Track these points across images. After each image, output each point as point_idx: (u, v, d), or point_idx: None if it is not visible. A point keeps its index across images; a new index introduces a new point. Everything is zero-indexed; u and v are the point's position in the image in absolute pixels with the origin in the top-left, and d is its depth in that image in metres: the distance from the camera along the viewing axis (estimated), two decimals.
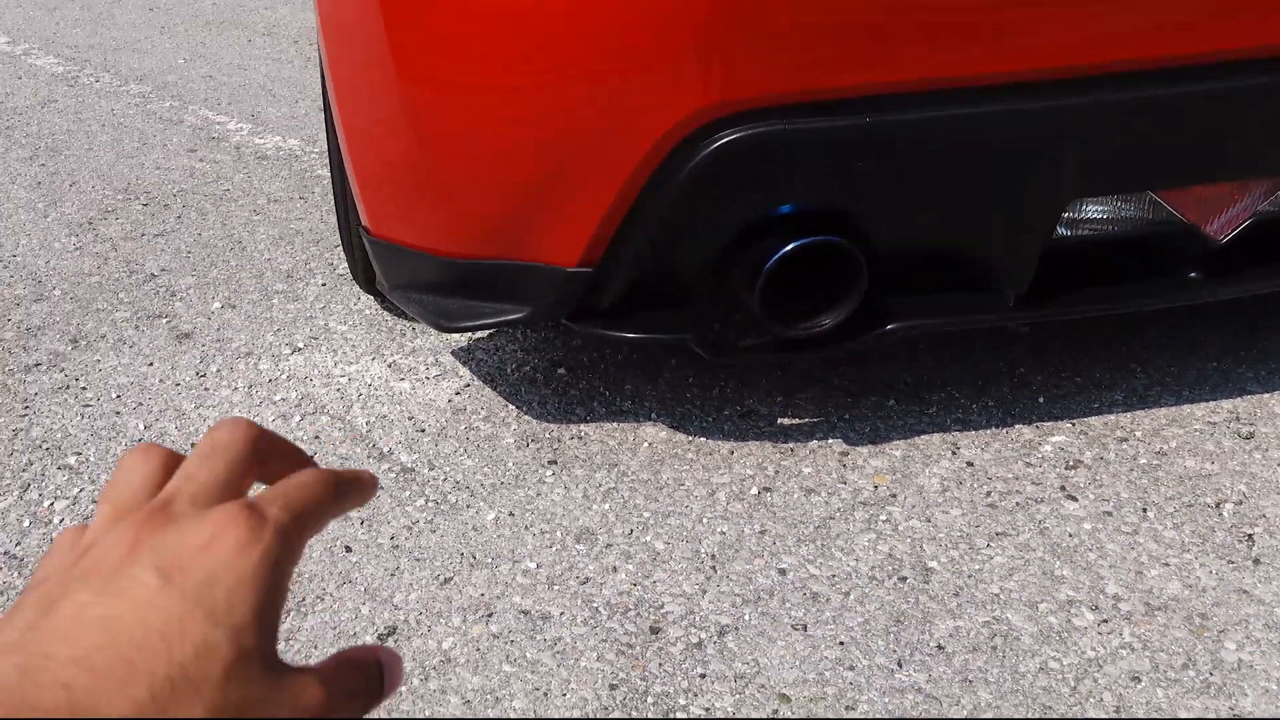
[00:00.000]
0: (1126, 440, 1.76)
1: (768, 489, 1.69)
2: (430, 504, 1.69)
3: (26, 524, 1.69)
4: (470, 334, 2.13)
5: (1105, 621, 1.41)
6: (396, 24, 1.57)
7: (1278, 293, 2.09)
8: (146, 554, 0.34)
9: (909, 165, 1.48)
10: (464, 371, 2.03)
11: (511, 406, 1.91)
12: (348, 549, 1.60)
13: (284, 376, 2.03)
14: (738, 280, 1.57)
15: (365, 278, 2.16)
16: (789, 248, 1.48)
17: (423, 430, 1.87)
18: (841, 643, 1.40)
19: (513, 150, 1.54)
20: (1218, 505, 1.61)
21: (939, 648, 1.39)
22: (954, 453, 1.75)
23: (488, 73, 1.52)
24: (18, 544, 1.64)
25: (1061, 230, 1.63)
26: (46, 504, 1.73)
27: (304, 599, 1.50)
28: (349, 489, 0.41)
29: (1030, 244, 1.56)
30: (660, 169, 1.47)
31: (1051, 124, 1.46)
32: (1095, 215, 1.64)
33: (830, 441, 1.79)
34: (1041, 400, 1.87)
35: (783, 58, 1.40)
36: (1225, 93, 1.50)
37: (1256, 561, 1.50)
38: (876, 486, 1.68)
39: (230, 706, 0.33)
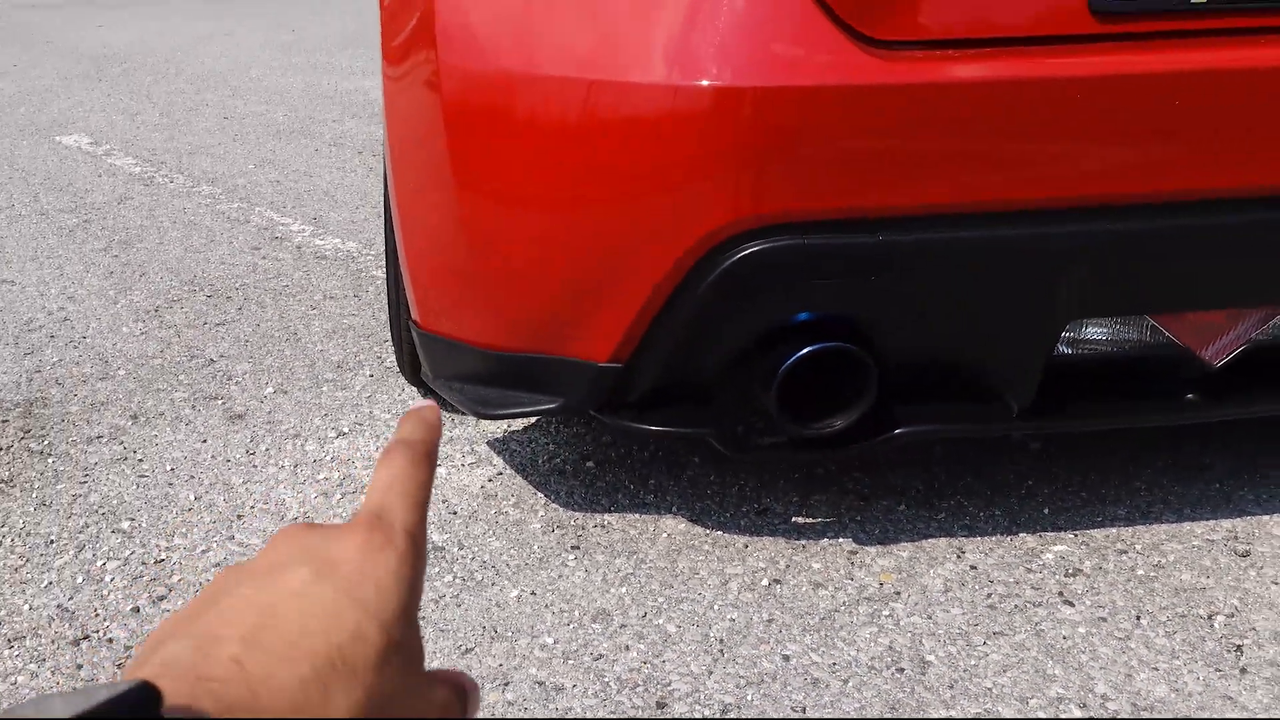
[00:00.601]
0: (1126, 552, 1.83)
1: (778, 581, 1.77)
2: (457, 580, 1.79)
3: (80, 580, 1.80)
4: (506, 426, 2.26)
5: (1092, 719, 1.47)
6: (457, 138, 1.74)
7: (1277, 418, 2.17)
8: (299, 554, 0.37)
9: (917, 282, 1.60)
10: (498, 460, 2.14)
11: (540, 494, 2.02)
12: None
13: (328, 458, 2.16)
14: (757, 381, 1.69)
15: (411, 369, 2.30)
16: (803, 352, 1.60)
17: (455, 513, 1.97)
18: None
19: (554, 255, 1.68)
20: (1210, 617, 1.67)
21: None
22: (959, 556, 1.83)
23: (535, 186, 1.67)
24: (70, 599, 1.76)
25: (1065, 349, 1.73)
26: (99, 564, 1.85)
27: None
28: (435, 454, 0.43)
29: (1032, 360, 1.66)
30: (688, 276, 1.61)
31: (1052, 249, 1.58)
32: (1097, 336, 1.74)
33: (841, 540, 1.88)
34: (1047, 511, 1.95)
35: (803, 180, 1.54)
36: (1217, 227, 1.61)
37: (1244, 670, 1.56)
38: (882, 584, 1.76)
39: (383, 693, 0.34)
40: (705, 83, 1.54)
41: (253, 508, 1.99)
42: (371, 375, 2.51)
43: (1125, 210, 1.59)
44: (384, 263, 3.15)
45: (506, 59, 1.70)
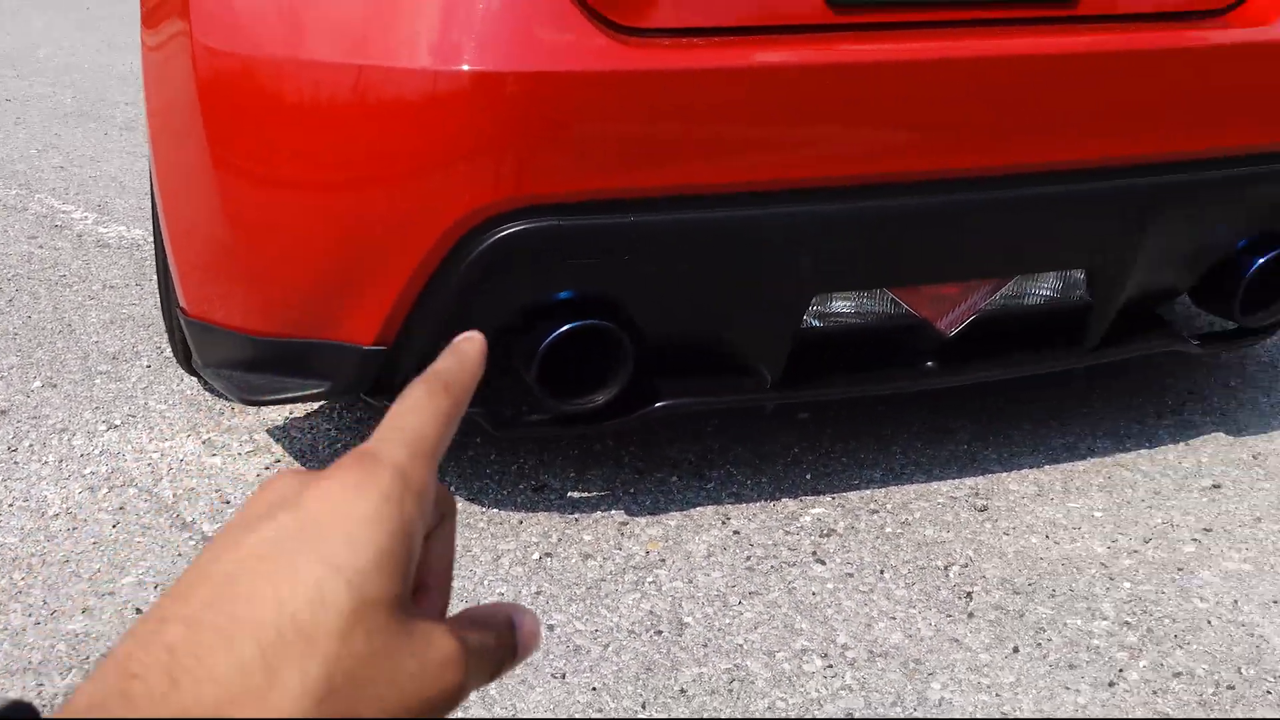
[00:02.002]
0: (877, 512, 1.95)
1: (549, 554, 1.83)
2: None
3: None
4: (288, 413, 2.24)
5: (831, 667, 1.58)
6: (213, 119, 1.72)
7: (1024, 383, 2.34)
8: (270, 505, 0.33)
9: (669, 260, 1.67)
10: (277, 448, 2.13)
11: None
12: (138, 611, 1.67)
13: (97, 452, 2.11)
14: (519, 359, 1.73)
15: (185, 358, 2.25)
16: (561, 330, 1.65)
17: (228, 501, 1.96)
18: (594, 689, 1.53)
19: (314, 238, 1.68)
20: (946, 568, 1.80)
21: (681, 691, 1.53)
22: (724, 522, 1.92)
23: (294, 167, 1.67)
24: None
25: (813, 321, 1.83)
26: None
27: (87, 658, 1.58)
28: (464, 388, 0.37)
29: (781, 333, 1.75)
30: (448, 258, 1.64)
31: (794, 228, 1.67)
32: (842, 309, 1.85)
33: (613, 512, 1.94)
34: (809, 476, 2.05)
35: (558, 163, 1.59)
36: (947, 205, 1.73)
37: (971, 615, 1.69)
38: (649, 552, 1.84)
39: (350, 658, 0.30)
40: (459, 68, 1.56)
41: (11, 505, 1.93)
42: (149, 366, 2.45)
43: (862, 190, 1.70)
44: (154, 247, 3.07)
45: (265, 40, 1.69)
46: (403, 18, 1.62)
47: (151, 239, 3.23)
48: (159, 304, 2.76)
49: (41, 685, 1.52)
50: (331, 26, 1.65)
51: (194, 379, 2.37)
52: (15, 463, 2.06)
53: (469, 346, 0.39)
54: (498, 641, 0.36)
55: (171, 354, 2.49)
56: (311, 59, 1.65)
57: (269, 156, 1.70)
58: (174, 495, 1.97)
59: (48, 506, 1.93)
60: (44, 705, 1.49)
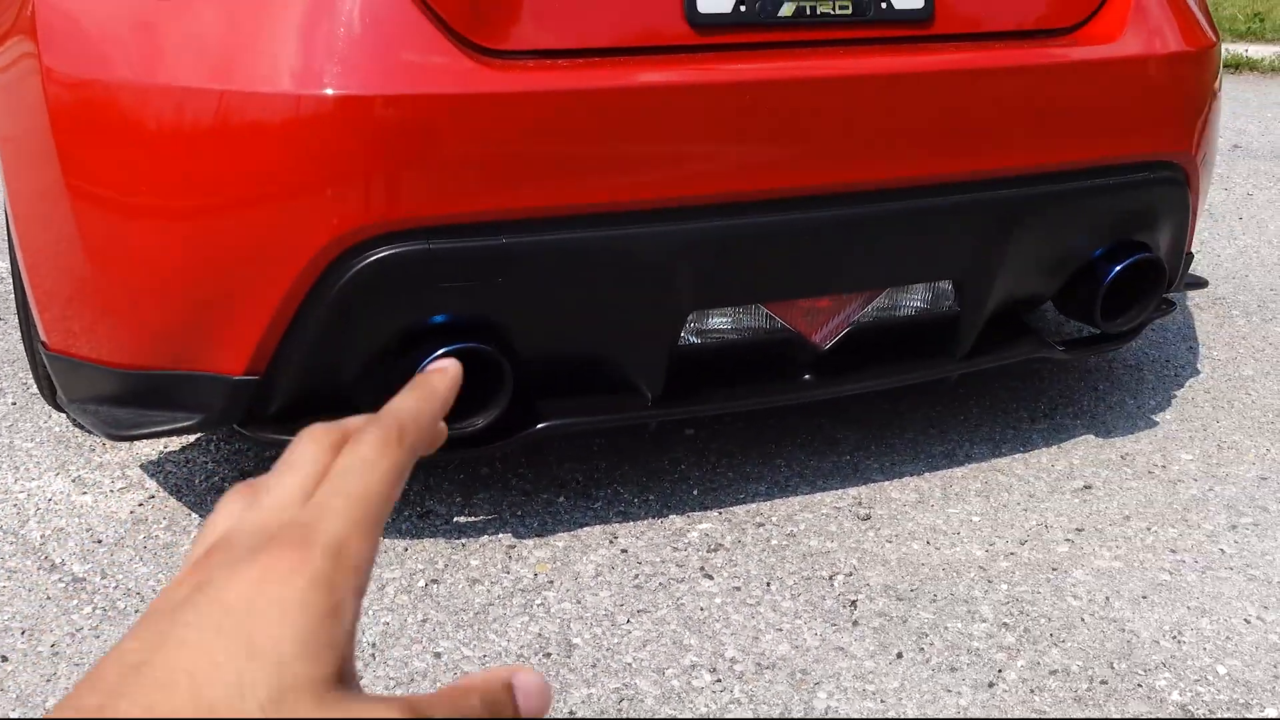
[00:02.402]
0: (763, 525, 1.97)
1: (435, 581, 1.80)
2: (98, 611, 1.71)
3: None
4: (162, 447, 2.17)
5: (719, 681, 1.58)
6: (67, 145, 1.66)
7: (904, 392, 2.39)
8: (200, 593, 0.31)
9: (542, 281, 1.66)
10: (151, 484, 2.06)
11: (195, 515, 1.96)
12: (4, 658, 1.60)
13: None
14: (397, 384, 1.70)
15: (50, 392, 2.17)
16: (436, 354, 1.63)
17: (99, 541, 1.89)
18: None
19: (178, 267, 1.64)
20: (831, 578, 1.82)
21: (570, 713, 1.52)
22: (612, 541, 1.91)
23: (153, 195, 1.62)
24: None
25: (691, 338, 1.85)
26: None
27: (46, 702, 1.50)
28: (422, 432, 0.35)
29: (657, 350, 1.76)
30: (316, 284, 1.61)
31: (665, 247, 1.68)
32: (719, 325, 1.87)
33: (500, 535, 1.92)
34: (696, 492, 2.06)
35: (424, 185, 1.57)
36: (814, 221, 1.76)
37: (855, 623, 1.71)
38: (537, 574, 1.82)
39: None
40: (323, 91, 1.54)
41: None
42: (14, 403, 2.36)
43: (730, 207, 1.72)
44: (11, 280, 2.95)
45: (119, 63, 1.64)
46: (264, 41, 1.59)
47: (8, 271, 3.11)
48: (21, 338, 2.66)
49: None
50: (190, 49, 1.62)
51: (62, 415, 2.29)
52: None
53: (438, 381, 0.37)
54: (486, 706, 0.33)
55: (37, 390, 2.39)
56: (170, 83, 1.61)
57: (127, 184, 1.65)
58: (42, 536, 1.89)
59: None
60: None
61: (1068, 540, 1.93)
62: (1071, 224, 2.00)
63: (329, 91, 1.56)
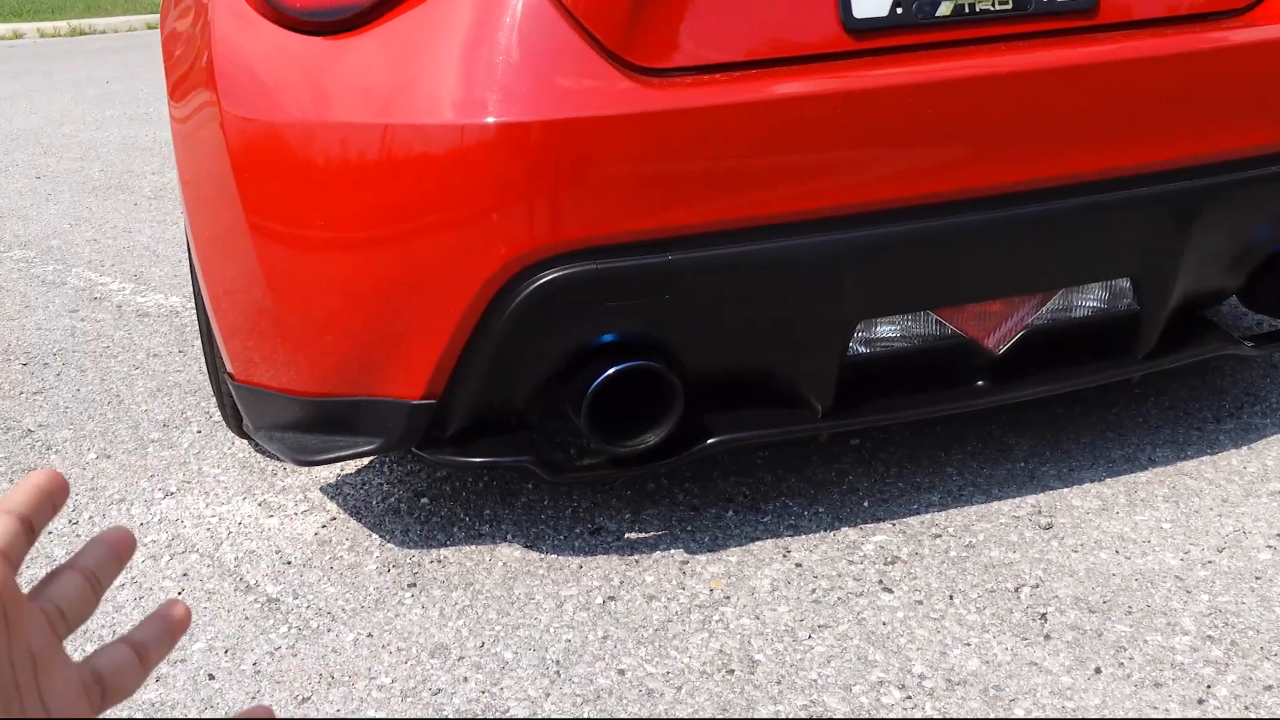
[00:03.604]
0: (940, 536, 1.92)
1: (612, 598, 1.81)
2: (293, 630, 1.77)
3: None
4: (339, 470, 2.24)
5: (910, 698, 1.55)
6: (247, 183, 1.73)
7: (1079, 395, 2.31)
8: None
9: (710, 296, 1.66)
10: (331, 506, 2.13)
11: (375, 536, 2.02)
12: (210, 677, 1.67)
13: (155, 520, 2.11)
14: (568, 405, 1.72)
15: (235, 421, 2.26)
16: (608, 373, 1.64)
17: (289, 562, 1.96)
18: None
19: (355, 297, 1.69)
20: (1017, 590, 1.77)
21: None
22: (785, 556, 1.90)
23: (329, 228, 1.67)
24: None
25: (859, 348, 1.82)
26: None
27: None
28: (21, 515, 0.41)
29: (826, 361, 1.74)
30: (488, 309, 1.64)
31: (832, 256, 1.66)
32: (888, 333, 1.83)
33: (673, 551, 1.92)
34: (867, 503, 2.03)
35: (589, 207, 1.59)
36: (985, 223, 1.72)
37: (1047, 637, 1.65)
38: (712, 590, 1.82)
39: None
40: (484, 120, 1.57)
41: None
42: (199, 431, 2.47)
43: (898, 213, 1.69)
44: (196, 314, 3.09)
45: (292, 105, 1.70)
46: (425, 73, 1.62)
47: (189, 305, 3.26)
48: (203, 369, 2.78)
49: None
50: (355, 87, 1.66)
51: (245, 441, 2.38)
52: (77, 535, 2.07)
53: (41, 480, 0.42)
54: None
55: (221, 418, 2.50)
56: (339, 120, 1.66)
57: (304, 219, 1.71)
58: (235, 559, 1.97)
59: None
60: None
61: (1269, 547, 1.83)
62: (1254, 213, 1.90)
63: (490, 120, 1.59)
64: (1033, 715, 1.50)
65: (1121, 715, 1.49)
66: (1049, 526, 1.94)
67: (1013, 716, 1.50)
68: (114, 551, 0.44)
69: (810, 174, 1.63)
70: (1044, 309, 1.84)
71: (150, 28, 11.14)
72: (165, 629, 0.44)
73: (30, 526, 0.41)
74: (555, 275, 1.59)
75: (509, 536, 1.99)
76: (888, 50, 1.68)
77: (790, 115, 1.60)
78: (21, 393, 2.72)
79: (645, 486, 2.12)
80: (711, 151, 1.58)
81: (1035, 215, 1.72)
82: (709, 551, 1.92)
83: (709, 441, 1.76)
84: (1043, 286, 1.81)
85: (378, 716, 1.58)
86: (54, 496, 0.42)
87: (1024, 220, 1.72)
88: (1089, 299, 1.89)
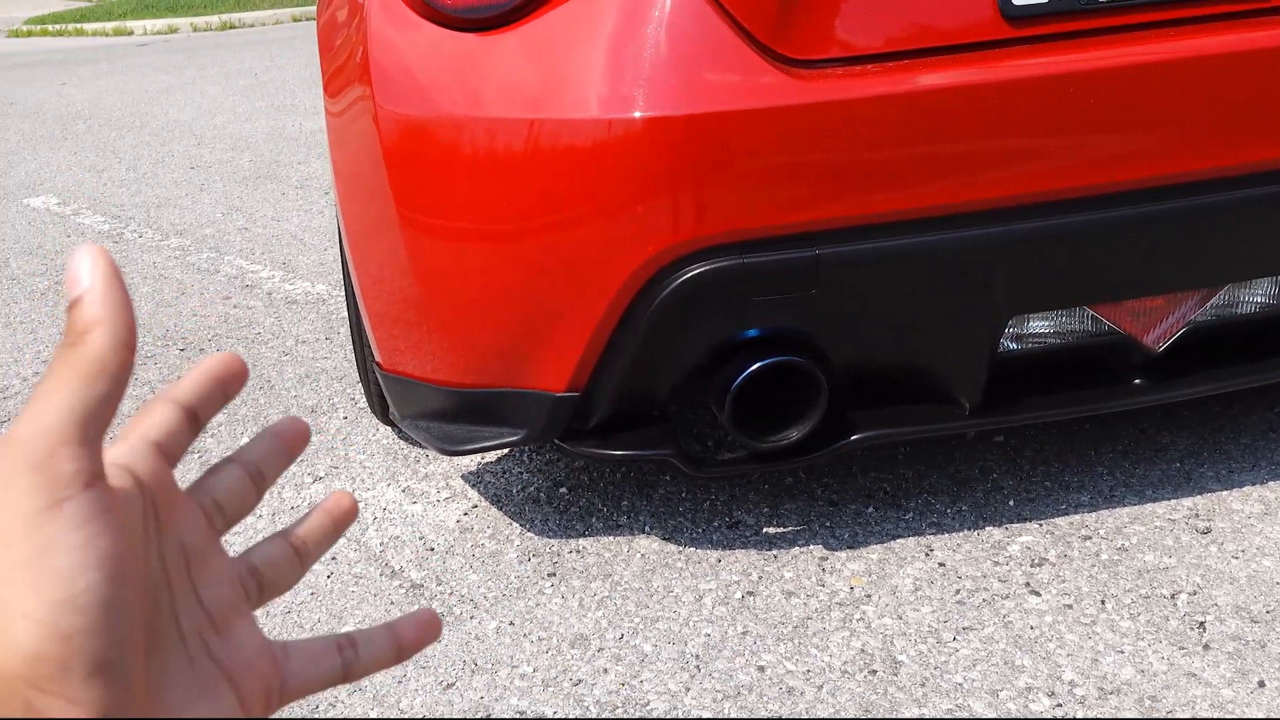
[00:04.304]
0: (1090, 538, 1.86)
1: (751, 593, 1.80)
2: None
3: None
4: (480, 459, 2.28)
5: (1060, 706, 1.50)
6: (399, 177, 1.77)
7: (1239, 393, 2.21)
8: None
9: (857, 292, 1.63)
10: (472, 494, 2.17)
11: (515, 524, 2.05)
12: None
13: (305, 503, 2.19)
14: (711, 399, 1.72)
15: (381, 409, 2.32)
16: (752, 368, 1.63)
17: (432, 549, 2.00)
18: None
19: (502, 288, 1.71)
20: (1173, 596, 1.70)
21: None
22: (927, 554, 1.86)
23: (479, 220, 1.70)
24: None
25: (1010, 344, 1.77)
26: None
27: (316, 706, 1.63)
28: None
29: (976, 358, 1.70)
30: (634, 302, 1.64)
31: (984, 250, 1.62)
32: (1040, 330, 1.78)
33: (811, 547, 1.91)
34: (1012, 503, 1.98)
35: (737, 201, 1.58)
36: (1144, 216, 1.65)
37: (1206, 647, 1.59)
38: (853, 588, 1.79)
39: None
40: (636, 114, 1.57)
41: None
42: (346, 417, 2.54)
43: (1055, 206, 1.63)
44: (346, 303, 3.18)
45: (444, 101, 1.73)
46: (576, 69, 1.63)
47: (335, 293, 3.35)
48: (349, 357, 2.86)
49: None
50: (504, 83, 1.68)
51: (388, 428, 2.45)
52: None
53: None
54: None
55: (366, 405, 2.57)
56: (489, 115, 1.68)
57: (454, 211, 1.73)
58: (381, 544, 2.03)
59: None
60: None
61: None
62: None
63: (638, 114, 1.59)
64: None
65: None
66: (1207, 531, 1.86)
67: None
68: (283, 444, 0.42)
69: (962, 167, 1.59)
70: (1208, 305, 1.76)
71: (296, 21, 11.51)
72: (330, 523, 0.42)
73: (195, 417, 0.38)
74: (701, 269, 1.58)
75: (647, 529, 2.00)
76: (1045, 38, 1.62)
77: (944, 106, 1.56)
78: (179, 377, 2.83)
79: (783, 481, 2.10)
80: (862, 144, 1.55)
81: (1202, 207, 1.64)
82: (849, 548, 1.90)
83: (853, 438, 1.74)
84: (1208, 282, 1.73)
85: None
86: (226, 385, 0.39)
87: (1189, 213, 1.65)
88: (1256, 295, 1.81)
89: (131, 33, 11.64)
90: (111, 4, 13.48)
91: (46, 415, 0.32)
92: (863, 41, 1.61)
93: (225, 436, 2.49)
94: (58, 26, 12.26)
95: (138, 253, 3.95)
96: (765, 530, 1.97)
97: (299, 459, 2.36)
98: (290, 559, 0.43)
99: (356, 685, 1.66)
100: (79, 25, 12.04)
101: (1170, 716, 1.47)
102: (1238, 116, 1.66)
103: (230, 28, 11.55)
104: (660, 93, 1.58)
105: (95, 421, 0.32)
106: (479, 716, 1.58)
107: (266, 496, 2.20)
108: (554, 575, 1.89)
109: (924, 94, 1.57)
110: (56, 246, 4.12)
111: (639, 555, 1.93)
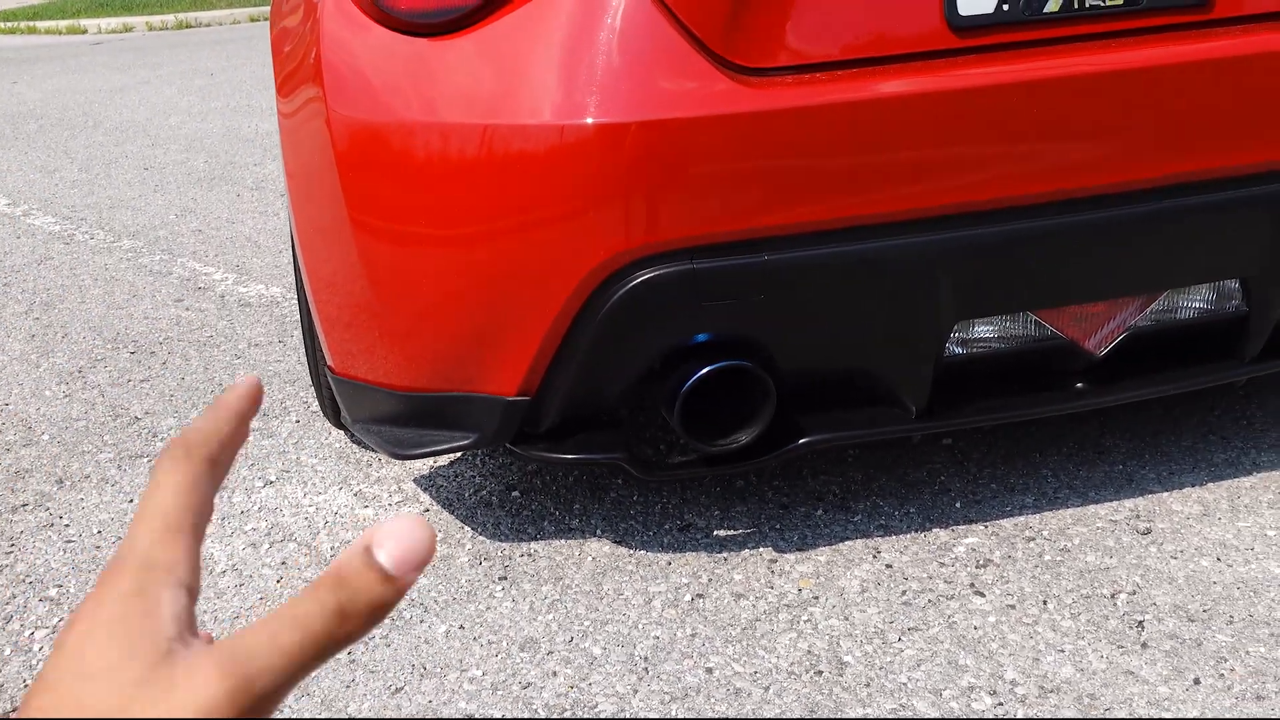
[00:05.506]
0: (1034, 539, 1.89)
1: (700, 595, 1.82)
2: (387, 620, 1.81)
3: (7, 652, 1.81)
4: (431, 462, 2.28)
5: (1001, 704, 1.53)
6: (350, 180, 1.77)
7: (1178, 397, 2.25)
8: (55, 642, 0.37)
9: (805, 297, 1.65)
10: (425, 497, 2.17)
11: (467, 528, 2.05)
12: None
13: (255, 508, 2.18)
14: (661, 403, 1.73)
15: (333, 412, 2.32)
16: (701, 373, 1.65)
17: None
18: None
19: (454, 293, 1.71)
20: (1113, 596, 1.74)
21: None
22: (875, 556, 1.89)
23: (431, 225, 1.70)
24: None
25: (955, 349, 1.80)
26: (27, 634, 1.85)
27: None
28: (208, 448, 0.39)
29: (922, 363, 1.72)
30: (584, 307, 1.65)
31: (929, 257, 1.64)
32: (985, 334, 1.81)
33: (761, 550, 1.92)
34: (959, 505, 2.01)
35: (687, 207, 1.59)
36: (1085, 224, 1.68)
37: (1144, 645, 1.62)
38: (801, 590, 1.81)
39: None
40: (584, 121, 1.58)
41: None
42: (298, 421, 2.53)
43: (999, 214, 1.66)
44: (298, 306, 3.17)
45: (397, 104, 1.73)
46: (530, 75, 1.64)
47: (288, 296, 3.34)
48: (302, 360, 2.85)
49: None
50: (460, 88, 1.69)
51: (341, 432, 2.44)
52: None
53: (231, 396, 0.40)
54: (330, 614, 0.34)
55: (319, 409, 2.56)
56: (442, 120, 1.69)
57: (406, 215, 1.74)
58: (332, 549, 2.02)
59: (215, 564, 2.00)
60: None
61: None
62: None
63: (589, 120, 1.60)
64: None
65: None
66: (1148, 531, 1.89)
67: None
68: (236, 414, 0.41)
69: (910, 174, 1.61)
70: (1148, 310, 1.80)
71: (253, 20, 11.42)
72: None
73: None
74: (651, 274, 1.60)
75: (598, 531, 2.01)
76: (991, 48, 1.65)
77: (892, 115, 1.59)
78: (129, 380, 2.81)
79: (734, 484, 2.12)
80: (811, 152, 1.57)
81: (1144, 215, 1.68)
82: (798, 550, 1.92)
83: (801, 441, 1.76)
84: (1148, 288, 1.77)
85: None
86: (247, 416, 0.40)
87: (1132, 220, 1.68)
88: (1195, 301, 1.85)
89: (85, 31, 11.50)
90: (65, 2, 13.31)
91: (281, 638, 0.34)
92: (812, 50, 1.63)
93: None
94: (10, 24, 12.09)
95: (89, 254, 3.90)
96: (716, 533, 1.98)
97: (251, 461, 2.35)
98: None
99: (303, 690, 1.66)
100: (31, 23, 11.88)
101: (1108, 715, 1.50)
102: (1178, 127, 1.70)
103: (186, 27, 11.45)
104: (612, 99, 1.59)
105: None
106: (428, 717, 1.58)
107: (217, 501, 2.19)
108: (505, 579, 1.90)
109: (872, 103, 1.59)
110: (5, 247, 4.07)
111: (590, 558, 1.94)
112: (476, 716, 1.58)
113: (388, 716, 1.59)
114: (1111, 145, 1.68)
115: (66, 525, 2.17)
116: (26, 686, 1.72)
